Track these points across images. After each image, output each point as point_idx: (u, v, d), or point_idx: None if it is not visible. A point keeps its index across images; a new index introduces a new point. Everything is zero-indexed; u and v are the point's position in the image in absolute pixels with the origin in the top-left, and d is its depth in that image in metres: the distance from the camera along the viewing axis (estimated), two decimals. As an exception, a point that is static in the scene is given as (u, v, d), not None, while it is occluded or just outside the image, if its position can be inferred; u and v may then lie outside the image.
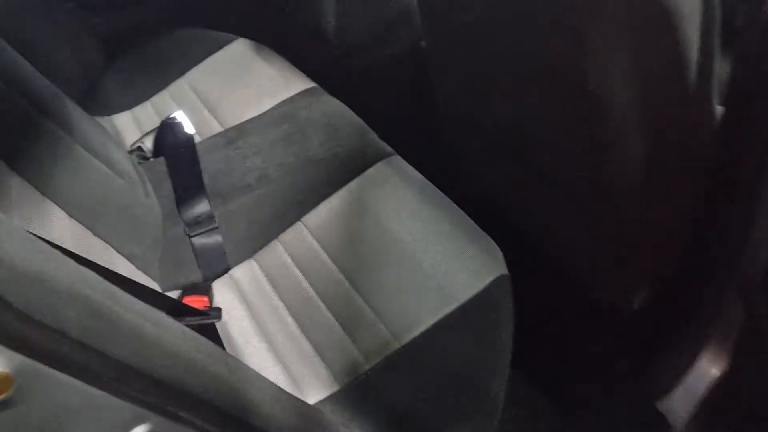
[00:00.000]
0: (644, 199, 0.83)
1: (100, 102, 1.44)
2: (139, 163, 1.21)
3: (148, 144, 1.31)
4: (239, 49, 1.48)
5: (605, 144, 0.81)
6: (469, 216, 1.02)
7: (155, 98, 1.43)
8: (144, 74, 1.48)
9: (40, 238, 0.43)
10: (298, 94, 1.30)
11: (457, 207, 1.03)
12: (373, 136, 1.18)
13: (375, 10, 1.28)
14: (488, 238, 0.98)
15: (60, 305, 0.39)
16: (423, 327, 0.89)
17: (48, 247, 0.41)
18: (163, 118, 1.35)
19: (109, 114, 1.42)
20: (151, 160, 1.25)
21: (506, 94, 0.96)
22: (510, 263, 0.96)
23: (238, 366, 0.54)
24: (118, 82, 1.48)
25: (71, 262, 0.42)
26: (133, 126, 1.39)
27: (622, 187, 0.84)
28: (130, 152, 1.30)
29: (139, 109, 1.42)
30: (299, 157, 1.15)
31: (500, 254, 0.96)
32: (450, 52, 1.03)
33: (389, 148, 1.15)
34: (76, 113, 0.99)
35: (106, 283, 0.45)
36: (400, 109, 1.40)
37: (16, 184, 0.78)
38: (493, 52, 0.93)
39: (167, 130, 1.25)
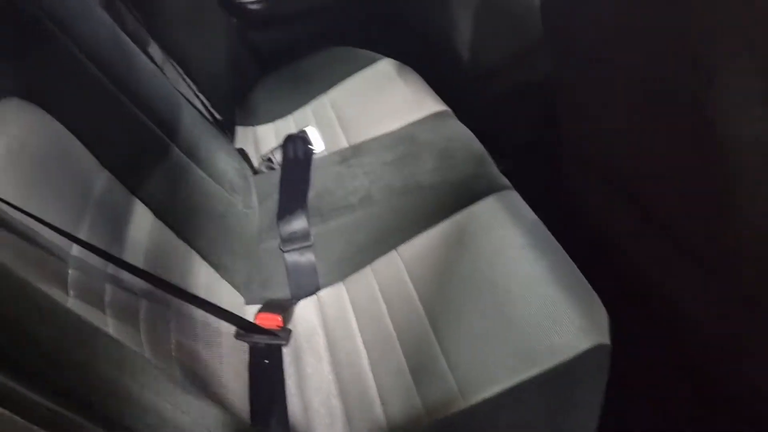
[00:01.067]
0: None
1: (246, 112, 1.50)
2: (255, 173, 1.23)
3: (278, 156, 1.33)
4: (383, 68, 1.45)
5: (731, 190, 0.63)
6: (579, 265, 0.87)
7: (297, 113, 1.45)
8: (291, 89, 1.52)
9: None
10: (426, 117, 1.24)
11: (566, 256, 0.89)
12: (492, 167, 1.07)
13: (512, 35, 1.18)
14: (595, 297, 0.82)
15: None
16: (495, 389, 0.77)
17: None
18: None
19: (253, 124, 1.48)
20: (267, 171, 1.26)
21: (635, 139, 0.81)
22: (615, 323, 0.79)
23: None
24: (266, 95, 1.54)
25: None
26: (272, 138, 1.43)
27: (753, 240, 0.65)
28: (262, 161, 1.33)
29: (281, 122, 1.46)
30: (407, 181, 1.08)
31: (605, 319, 0.79)
32: (578, 88, 0.90)
33: (505, 181, 1.04)
34: (187, 117, 1.02)
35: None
36: (525, 140, 1.27)
37: (103, 178, 0.81)
38: (622, 91, 0.79)
39: (291, 143, 1.26)
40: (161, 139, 0.91)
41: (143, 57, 0.98)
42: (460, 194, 1.03)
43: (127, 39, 0.96)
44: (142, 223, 0.85)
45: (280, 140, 1.40)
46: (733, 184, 0.62)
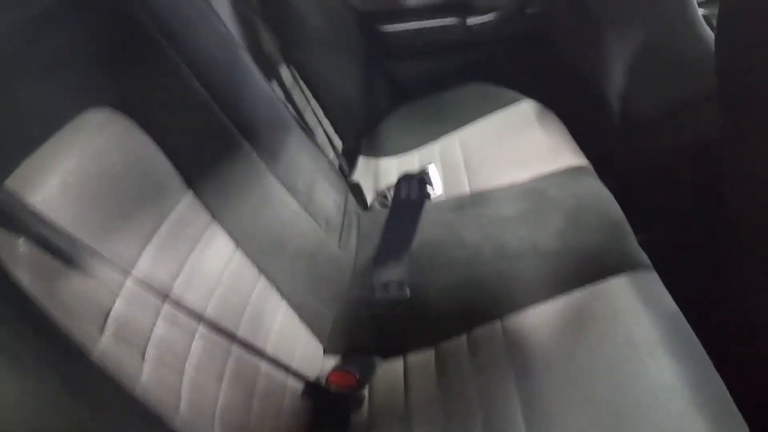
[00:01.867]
0: None
1: (372, 142, 1.44)
2: (366, 208, 1.14)
3: (393, 191, 1.24)
4: (523, 110, 1.32)
5: None
6: (724, 369, 0.68)
7: (424, 149, 1.36)
8: (421, 123, 1.44)
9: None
10: (560, 170, 1.09)
11: (709, 362, 0.70)
12: (629, 238, 0.90)
13: (678, 84, 1.00)
14: (739, 419, 0.64)
15: None
16: None
17: None
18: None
19: (377, 156, 1.40)
20: (378, 209, 1.17)
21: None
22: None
23: None
24: (395, 127, 1.46)
25: None
26: (393, 172, 1.34)
27: None
28: (375, 198, 1.25)
29: (405, 157, 1.37)
30: (524, 243, 0.93)
31: None
32: (752, 152, 0.71)
33: (644, 258, 0.86)
34: (293, 145, 0.95)
35: None
36: (677, 208, 1.06)
37: (186, 199, 0.76)
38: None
39: (406, 183, 1.16)
40: (257, 165, 0.85)
41: (258, 78, 0.94)
42: (586, 267, 0.86)
43: (245, 58, 0.92)
44: (221, 252, 0.79)
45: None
46: None
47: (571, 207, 0.96)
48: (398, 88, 1.55)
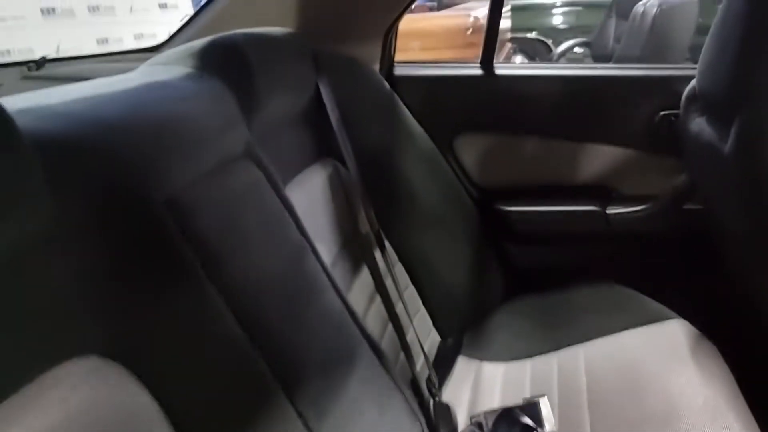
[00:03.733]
0: None
1: (476, 340, 1.20)
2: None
3: (490, 424, 0.98)
4: (673, 332, 1.05)
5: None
6: None
7: (539, 360, 1.11)
8: (540, 324, 1.19)
9: None
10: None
11: None
12: None
13: None
14: None
15: None
16: None
17: None
18: (536, 391, 1.02)
19: (480, 359, 1.16)
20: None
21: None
22: None
23: None
24: (508, 325, 1.23)
25: None
26: (497, 385, 1.10)
27: None
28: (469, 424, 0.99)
29: (515, 366, 1.12)
30: None
31: None
32: None
33: None
34: (352, 391, 0.73)
35: None
36: None
37: None
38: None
39: (506, 423, 0.90)
40: (294, 424, 0.64)
41: (328, 297, 0.75)
42: None
43: (316, 270, 0.74)
44: None
45: (506, 393, 1.06)
46: None
47: None
48: (516, 278, 1.32)
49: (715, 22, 0.90)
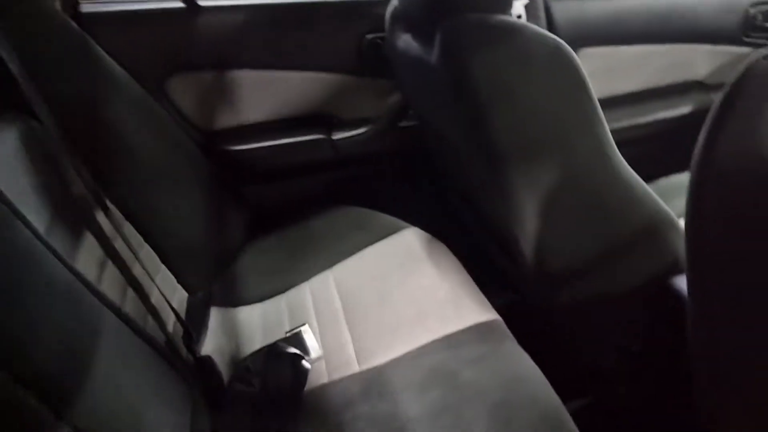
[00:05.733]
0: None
1: (226, 288, 1.16)
2: (224, 391, 0.87)
3: (258, 365, 0.96)
4: (408, 241, 1.13)
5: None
6: None
7: (292, 293, 1.12)
8: (285, 259, 1.20)
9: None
10: (468, 330, 0.89)
11: None
12: (571, 426, 0.71)
13: (597, 227, 0.85)
14: None
15: None
16: None
17: None
18: (295, 323, 1.03)
19: (234, 305, 1.13)
20: (240, 392, 0.89)
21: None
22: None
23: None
24: (253, 266, 1.21)
25: None
26: (257, 327, 1.08)
27: None
28: (237, 368, 0.96)
29: (270, 305, 1.11)
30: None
31: None
32: (720, 287, 0.55)
33: None
34: (99, 378, 0.64)
35: None
36: (620, 377, 0.91)
37: None
38: None
39: (273, 364, 0.90)
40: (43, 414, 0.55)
41: (47, 264, 0.64)
42: None
43: (22, 237, 0.62)
44: None
45: (266, 332, 1.04)
46: None
47: (497, 399, 0.74)
48: (256, 218, 1.29)
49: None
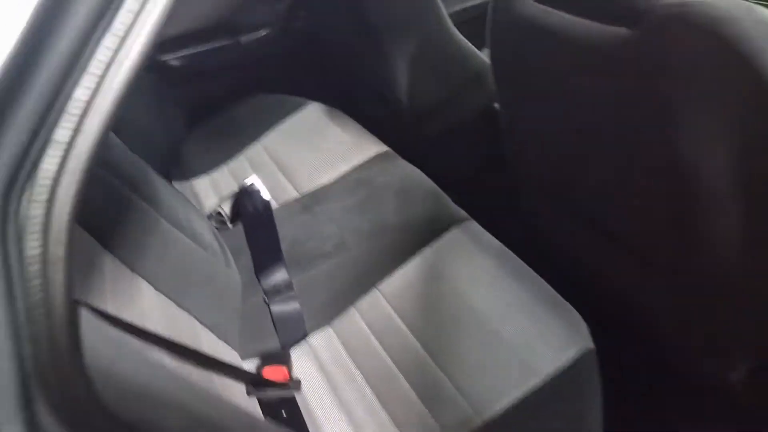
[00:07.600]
0: (742, 271, 0.79)
1: (180, 167, 1.51)
2: (218, 228, 1.25)
3: (227, 209, 1.35)
4: (313, 112, 1.52)
5: (693, 214, 0.79)
6: (549, 284, 0.99)
7: (232, 163, 1.48)
8: (221, 140, 1.54)
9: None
10: (372, 159, 1.32)
11: (536, 275, 1.01)
12: (447, 200, 1.18)
13: (446, 75, 1.31)
14: (571, 308, 0.95)
15: (164, 416, 0.40)
16: (506, 402, 0.87)
17: (154, 359, 0.43)
18: (240, 182, 1.39)
19: (189, 179, 1.48)
20: (231, 227, 1.28)
21: (582, 160, 0.95)
22: (594, 334, 0.92)
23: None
24: (198, 148, 1.55)
25: (173, 373, 0.43)
26: (211, 190, 1.44)
27: (714, 258, 0.81)
28: (209, 217, 1.34)
29: (217, 174, 1.47)
30: (374, 224, 1.16)
31: (584, 326, 0.92)
32: (524, 116, 1.04)
33: (464, 213, 1.15)
34: (162, 188, 1.03)
35: (200, 386, 0.46)
36: (474, 172, 1.41)
37: (108, 262, 0.81)
38: (569, 118, 0.93)
39: (245, 196, 1.29)
40: (148, 212, 0.92)
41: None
42: (426, 229, 1.12)
43: None
44: (148, 300, 0.86)
45: (220, 192, 1.42)
46: (690, 210, 0.77)
47: (398, 188, 1.21)
48: (191, 114, 1.62)
49: None
